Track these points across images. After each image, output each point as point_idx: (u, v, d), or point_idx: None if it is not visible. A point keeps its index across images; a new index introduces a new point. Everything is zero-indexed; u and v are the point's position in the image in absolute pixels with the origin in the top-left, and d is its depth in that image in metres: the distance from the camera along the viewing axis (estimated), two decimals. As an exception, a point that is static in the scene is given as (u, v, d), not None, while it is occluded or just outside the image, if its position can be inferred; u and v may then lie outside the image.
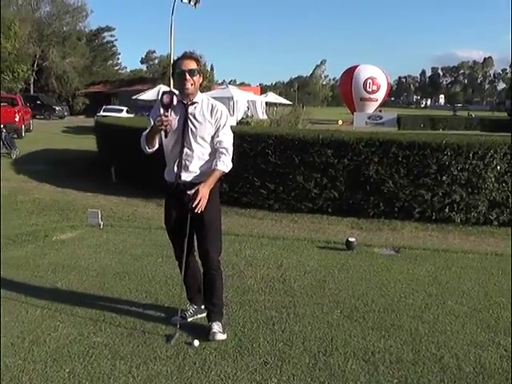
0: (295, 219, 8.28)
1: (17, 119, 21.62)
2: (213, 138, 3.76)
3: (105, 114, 28.34)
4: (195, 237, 3.87)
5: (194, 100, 3.73)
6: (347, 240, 6.31)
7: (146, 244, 6.38)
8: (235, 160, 8.48)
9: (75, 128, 29.49)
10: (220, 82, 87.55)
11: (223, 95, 31.86)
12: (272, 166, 8.70)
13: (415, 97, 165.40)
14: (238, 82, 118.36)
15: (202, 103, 3.76)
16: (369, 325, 4.08)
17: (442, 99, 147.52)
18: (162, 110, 3.65)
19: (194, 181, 3.71)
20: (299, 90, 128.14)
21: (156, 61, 65.39)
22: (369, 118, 40.86)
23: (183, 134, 3.70)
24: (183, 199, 3.69)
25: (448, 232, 7.51)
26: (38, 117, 36.04)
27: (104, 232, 7.00)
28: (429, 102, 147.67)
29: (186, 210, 3.69)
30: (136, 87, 43.22)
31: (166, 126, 3.56)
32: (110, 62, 66.35)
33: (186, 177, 3.75)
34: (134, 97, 33.06)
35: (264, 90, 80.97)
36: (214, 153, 3.76)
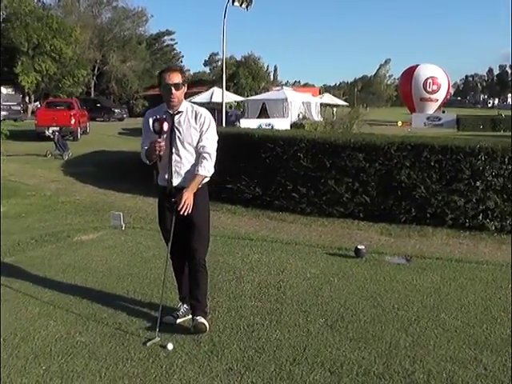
0: (325, 223, 8.26)
1: (72, 122, 22.50)
2: (198, 141, 3.98)
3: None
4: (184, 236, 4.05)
5: (180, 109, 3.99)
6: (356, 247, 6.26)
7: (159, 247, 6.46)
8: (269, 164, 8.79)
9: (132, 130, 30.31)
10: (284, 82, 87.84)
11: (277, 97, 31.98)
12: (304, 170, 8.74)
13: (482, 96, 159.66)
14: (302, 83, 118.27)
15: (187, 111, 4.02)
16: (349, 335, 4.05)
17: (510, 98, 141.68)
18: (155, 136, 3.85)
19: (184, 185, 3.94)
20: (363, 90, 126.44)
21: (219, 63, 66.33)
22: (427, 118, 39.92)
23: (171, 141, 3.95)
24: (175, 203, 3.91)
25: (480, 240, 7.27)
26: (97, 119, 37.39)
27: (124, 234, 7.23)
28: (496, 101, 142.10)
29: (177, 215, 3.91)
30: (194, 89, 44.08)
31: (159, 151, 3.83)
32: (171, 64, 67.72)
33: (176, 182, 3.99)
34: (188, 99, 33.64)
35: (327, 90, 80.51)
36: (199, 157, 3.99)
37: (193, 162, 3.98)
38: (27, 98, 41.44)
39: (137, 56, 51.40)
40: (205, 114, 4.02)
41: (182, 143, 3.95)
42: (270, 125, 22.69)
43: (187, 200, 3.83)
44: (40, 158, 16.98)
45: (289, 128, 22.83)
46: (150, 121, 3.95)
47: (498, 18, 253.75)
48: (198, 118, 3.98)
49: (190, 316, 4.20)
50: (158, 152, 3.82)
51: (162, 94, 3.98)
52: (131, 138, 23.65)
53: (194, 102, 4.10)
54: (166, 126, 3.83)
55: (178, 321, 4.25)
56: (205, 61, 78.68)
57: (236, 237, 7.22)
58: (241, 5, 25.38)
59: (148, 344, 3.82)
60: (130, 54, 50.63)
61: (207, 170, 3.94)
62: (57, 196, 10.74)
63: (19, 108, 36.85)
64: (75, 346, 3.83)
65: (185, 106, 4.03)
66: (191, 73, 68.25)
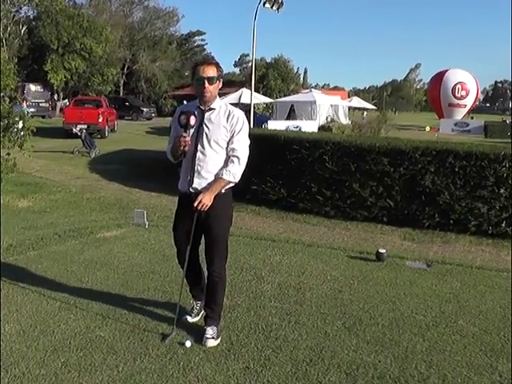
0: (348, 227, 8.25)
1: (100, 120, 22.78)
2: (228, 144, 3.76)
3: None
4: (203, 243, 3.97)
5: (212, 106, 3.77)
6: (377, 251, 6.23)
7: (181, 245, 6.59)
8: (294, 166, 8.81)
9: (159, 129, 30.57)
10: (314, 85, 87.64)
11: (306, 99, 32.00)
12: (329, 173, 8.75)
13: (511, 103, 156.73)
14: (331, 86, 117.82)
15: (220, 109, 3.80)
16: (366, 338, 4.04)
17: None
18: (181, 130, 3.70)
19: (205, 189, 3.72)
20: (392, 94, 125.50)
21: (249, 64, 66.52)
22: (455, 124, 39.39)
23: (197, 138, 3.73)
24: (193, 207, 3.70)
25: (502, 248, 7.19)
26: (126, 118, 37.76)
27: (147, 231, 7.32)
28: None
29: (196, 221, 3.77)
30: (223, 90, 44.15)
31: (184, 146, 3.64)
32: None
33: (197, 183, 3.75)
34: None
35: (357, 93, 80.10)
36: (227, 160, 3.76)
37: (218, 164, 3.74)
38: (56, 96, 42.01)
39: (167, 56, 51.65)
40: (238, 114, 3.79)
41: (209, 141, 3.71)
42: (297, 127, 22.69)
43: (204, 200, 3.63)
44: (67, 155, 17.21)
45: (316, 130, 22.80)
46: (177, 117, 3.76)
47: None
48: (231, 118, 3.75)
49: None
50: (182, 147, 3.63)
51: (194, 88, 3.76)
52: (158, 137, 23.86)
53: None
54: (192, 120, 3.64)
55: (193, 320, 4.26)
56: (235, 62, 79.26)
57: (259, 238, 7.24)
58: (272, 6, 25.39)
59: (166, 341, 3.87)
60: (160, 54, 50.91)
61: (233, 174, 3.69)
62: (82, 193, 10.90)
63: (47, 105, 37.44)
64: (94, 341, 3.89)
65: (218, 103, 3.80)
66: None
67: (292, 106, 30.93)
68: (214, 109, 3.77)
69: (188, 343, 3.81)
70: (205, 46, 65.25)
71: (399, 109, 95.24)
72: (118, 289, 5.03)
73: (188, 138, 3.64)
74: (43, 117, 34.00)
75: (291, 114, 30.27)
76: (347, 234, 7.90)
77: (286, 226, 8.27)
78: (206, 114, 3.75)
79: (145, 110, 41.57)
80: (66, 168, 14.60)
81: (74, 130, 18.19)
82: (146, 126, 32.89)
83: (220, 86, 3.78)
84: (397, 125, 31.13)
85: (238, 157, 3.73)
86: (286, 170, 9.17)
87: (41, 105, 35.43)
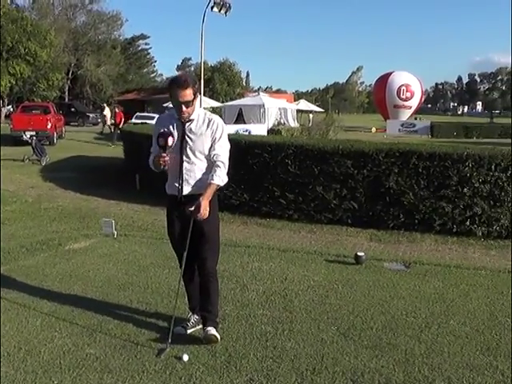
0: (314, 230, 8.24)
1: (49, 126, 22.16)
2: (210, 149, 3.88)
3: (137, 121, 28.70)
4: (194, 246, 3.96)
5: (191, 117, 3.87)
6: (356, 254, 6.25)
7: (156, 255, 6.43)
8: (256, 170, 8.73)
9: (108, 135, 29.97)
10: (256, 88, 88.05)
11: (254, 103, 32.00)
12: (292, 176, 8.71)
13: (452, 104, 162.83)
14: (274, 89, 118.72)
15: (199, 118, 3.93)
16: (364, 343, 4.02)
17: (479, 106, 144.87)
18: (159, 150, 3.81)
19: (194, 193, 3.85)
20: (335, 96, 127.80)
21: (192, 68, 66.24)
22: (402, 125, 40.38)
23: (181, 149, 3.86)
24: (184, 212, 3.83)
25: (468, 245, 7.34)
26: (72, 124, 36.85)
27: (117, 242, 7.09)
28: (466, 108, 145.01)
29: (187, 223, 3.85)
30: (168, 94, 43.66)
31: (164, 165, 3.79)
32: (145, 69, 67.47)
33: (187, 190, 3.89)
34: (164, 104, 33.41)
35: (300, 96, 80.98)
36: (212, 165, 3.88)
37: (204, 170, 3.90)
38: (0, 102, 40.61)
39: (111, 60, 50.93)
40: (217, 121, 3.94)
41: (194, 152, 3.86)
42: (247, 130, 22.67)
43: (203, 209, 3.73)
44: (17, 163, 16.58)
45: (266, 134, 22.86)
46: (157, 130, 3.91)
47: (467, 25, 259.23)
48: (211, 125, 3.88)
49: (201, 326, 4.11)
50: (162, 166, 3.79)
51: (173, 105, 3.86)
52: (107, 144, 23.42)
53: (171, 107, 3.97)
54: (170, 141, 3.77)
55: (189, 331, 4.16)
56: (177, 66, 78.64)
57: (230, 244, 7.12)
58: (219, 10, 25.35)
59: (162, 356, 3.72)
60: (105, 58, 50.15)
61: (221, 179, 3.84)
62: (39, 202, 10.48)
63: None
64: (86, 359, 3.71)
65: (197, 112, 3.91)
66: (164, 77, 68.02)
67: (240, 109, 30.87)
68: (192, 120, 3.88)
69: (185, 357, 3.69)
70: (149, 50, 64.72)
71: (342, 110, 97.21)
72: (98, 302, 4.83)
73: (167, 158, 3.77)
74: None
75: (239, 118, 30.23)
76: (314, 237, 7.88)
77: (251, 231, 8.19)
78: (187, 125, 3.88)
79: (91, 115, 40.85)
80: (19, 177, 14.03)
81: (25, 137, 17.59)
82: (94, 133, 32.16)
83: (197, 100, 3.90)
84: (343, 126, 31.63)
85: (222, 161, 3.87)
86: (248, 175, 9.05)
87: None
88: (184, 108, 3.76)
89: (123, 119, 26.15)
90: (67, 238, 7.26)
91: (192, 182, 3.88)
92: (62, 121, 26.93)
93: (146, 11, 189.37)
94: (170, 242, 4.17)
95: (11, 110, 35.17)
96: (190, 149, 3.85)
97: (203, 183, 3.85)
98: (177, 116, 3.87)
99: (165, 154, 3.76)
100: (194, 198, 3.79)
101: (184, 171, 3.87)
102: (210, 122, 3.89)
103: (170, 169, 3.92)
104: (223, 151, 3.89)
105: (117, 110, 27.53)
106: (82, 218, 9.08)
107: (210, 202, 3.82)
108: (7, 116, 31.33)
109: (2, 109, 39.81)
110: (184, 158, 3.86)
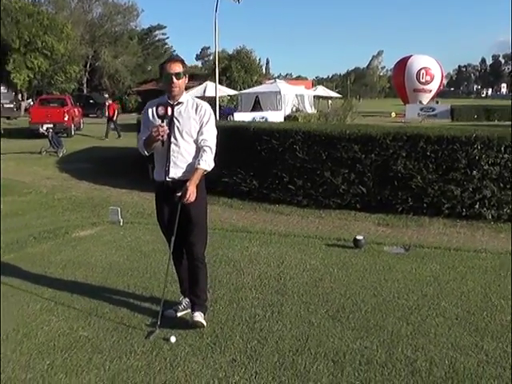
0: (322, 215, 8.28)
1: (66, 119, 22.50)
2: (198, 134, 3.96)
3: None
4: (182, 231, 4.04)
5: (180, 100, 3.97)
6: (355, 238, 6.28)
7: (158, 241, 6.46)
8: (265, 156, 8.78)
9: (125, 126, 30.22)
10: (276, 75, 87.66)
11: (271, 90, 31.90)
12: (300, 162, 8.76)
13: (476, 86, 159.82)
14: (294, 76, 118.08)
15: (187, 103, 4.02)
16: (351, 325, 4.07)
17: (504, 88, 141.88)
18: (158, 121, 3.88)
19: (181, 178, 3.92)
20: (356, 81, 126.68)
21: (211, 57, 66.18)
22: (421, 109, 39.70)
23: (169, 131, 3.92)
24: (172, 197, 3.90)
25: (477, 229, 7.29)
26: (90, 115, 37.25)
27: (122, 229, 7.23)
28: (490, 91, 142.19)
29: (175, 208, 3.92)
30: (187, 84, 43.77)
31: (162, 136, 3.83)
32: (163, 59, 67.56)
33: (173, 173, 3.95)
34: (181, 93, 33.45)
35: (320, 82, 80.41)
36: (199, 150, 3.96)
37: (192, 153, 3.97)
38: (20, 96, 41.18)
39: (128, 51, 51.28)
40: (205, 106, 4.02)
41: (181, 133, 3.93)
42: (264, 118, 22.67)
43: (189, 193, 3.80)
44: (34, 156, 16.94)
45: (282, 120, 22.81)
46: (150, 111, 4.00)
47: (491, 7, 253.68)
48: (199, 109, 3.97)
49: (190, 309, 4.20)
50: (161, 136, 3.81)
51: (163, 85, 3.97)
52: (124, 134, 23.62)
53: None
54: (170, 111, 3.86)
55: (179, 314, 4.26)
56: (196, 55, 78.71)
57: (234, 230, 7.24)
58: (232, -2, 25.27)
59: (151, 338, 3.83)
60: (122, 50, 50.50)
61: (208, 163, 3.90)
62: (53, 193, 10.73)
63: (12, 106, 36.68)
64: (78, 341, 3.84)
65: (185, 97, 4.03)
66: (183, 67, 67.85)
67: (257, 97, 30.75)
68: (182, 103, 3.98)
69: (173, 338, 3.79)
70: (166, 40, 64.82)
71: (363, 96, 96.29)
72: (98, 288, 4.97)
73: (166, 128, 3.83)
74: (8, 118, 33.30)
75: (256, 105, 30.15)
76: (321, 222, 7.93)
77: (259, 217, 8.27)
78: (175, 108, 3.95)
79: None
80: (35, 168, 14.36)
81: (41, 129, 17.93)
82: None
83: (186, 81, 4.00)
84: (362, 112, 31.40)
85: (209, 146, 3.94)
86: (256, 161, 9.15)
87: (5, 106, 34.64)
88: (175, 79, 3.85)
89: (116, 112, 25.56)
90: (75, 226, 7.44)
91: (179, 165, 3.94)
92: (79, 113, 27.31)
93: (162, 1, 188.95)
94: (159, 226, 4.26)
95: (31, 103, 35.64)
96: (178, 130, 3.92)
97: (189, 167, 3.93)
98: (166, 99, 3.96)
99: (163, 124, 3.83)
100: (182, 184, 3.86)
101: (171, 153, 3.93)
102: (198, 107, 3.99)
103: (157, 156, 4.02)
104: (210, 136, 3.96)
105: (109, 102, 26.99)
106: (94, 206, 9.29)
107: (197, 186, 3.88)
108: (27, 109, 31.77)
109: (22, 103, 40.39)
110: (172, 139, 3.93)
